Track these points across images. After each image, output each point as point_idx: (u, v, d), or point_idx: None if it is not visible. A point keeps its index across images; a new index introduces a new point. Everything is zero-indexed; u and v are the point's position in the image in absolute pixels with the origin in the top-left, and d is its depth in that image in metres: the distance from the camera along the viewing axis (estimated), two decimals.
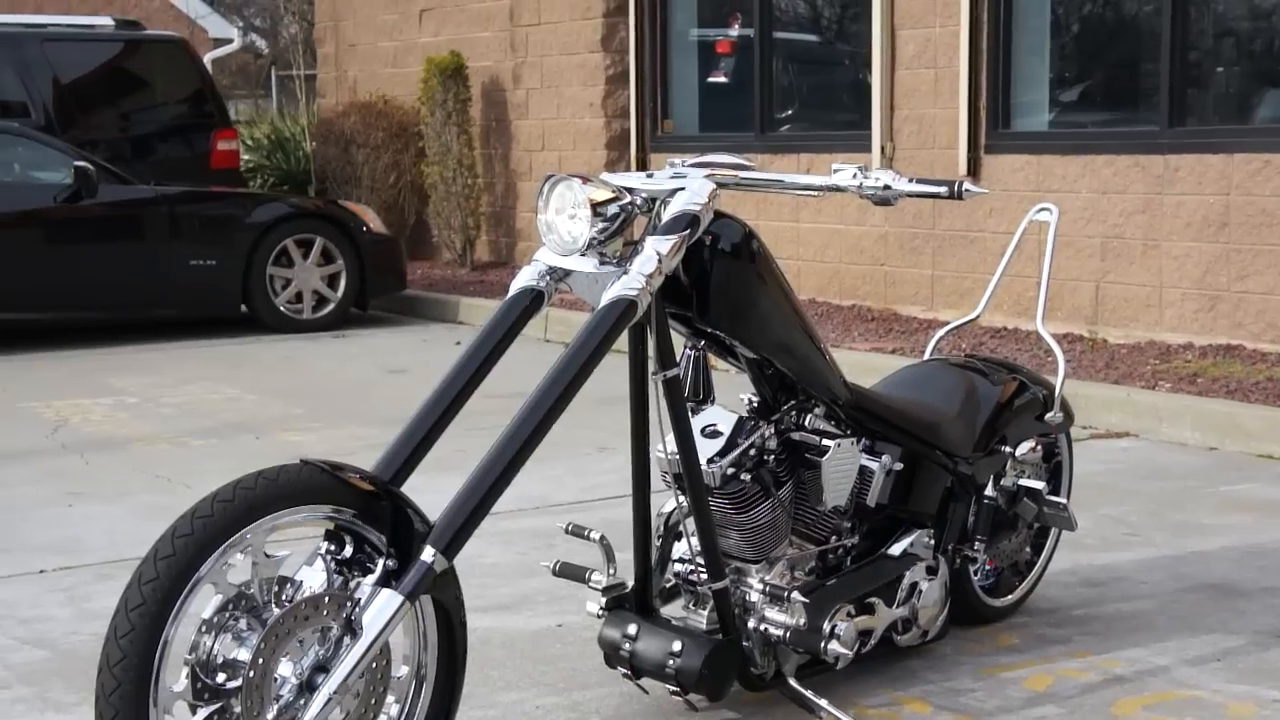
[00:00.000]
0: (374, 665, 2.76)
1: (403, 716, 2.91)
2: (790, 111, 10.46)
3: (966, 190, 3.18)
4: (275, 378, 8.55)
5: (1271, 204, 7.38)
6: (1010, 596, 4.12)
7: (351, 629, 2.72)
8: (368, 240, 10.62)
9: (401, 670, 2.91)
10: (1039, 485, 4.00)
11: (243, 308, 10.40)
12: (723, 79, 10.97)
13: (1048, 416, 4.05)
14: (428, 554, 2.77)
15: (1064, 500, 4.07)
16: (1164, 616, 4.11)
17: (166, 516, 2.86)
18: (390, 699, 2.87)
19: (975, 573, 3.99)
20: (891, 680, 3.65)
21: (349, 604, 2.74)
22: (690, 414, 3.27)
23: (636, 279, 3.04)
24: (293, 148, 14.78)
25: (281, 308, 10.40)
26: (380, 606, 2.72)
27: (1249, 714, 3.42)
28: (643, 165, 11.25)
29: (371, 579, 2.78)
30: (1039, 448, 4.11)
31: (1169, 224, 7.86)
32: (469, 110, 12.41)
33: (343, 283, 10.53)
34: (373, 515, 2.80)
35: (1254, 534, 4.91)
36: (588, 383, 2.99)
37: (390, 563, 2.79)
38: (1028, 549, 4.16)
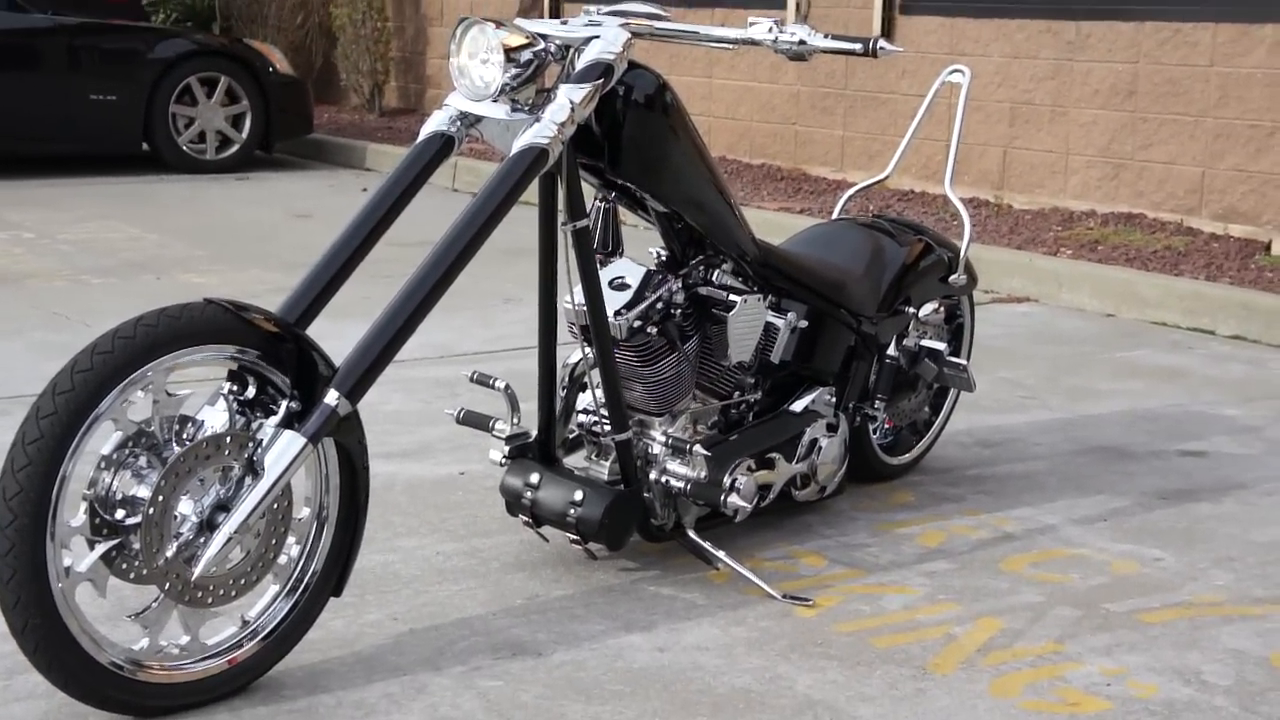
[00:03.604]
0: (275, 506, 2.76)
1: (303, 557, 2.92)
2: None
3: (881, 48, 3.18)
4: (177, 218, 8.42)
5: (1179, 73, 7.43)
6: (907, 455, 4.19)
7: (253, 469, 2.72)
8: (274, 81, 10.42)
9: (303, 512, 2.91)
10: (940, 346, 4.05)
11: (144, 145, 10.20)
12: None
13: (952, 279, 4.09)
14: (331, 397, 2.76)
15: (964, 362, 4.13)
16: (1055, 477, 4.20)
17: (64, 354, 2.83)
18: (291, 540, 2.88)
19: (874, 431, 4.04)
20: (789, 534, 3.71)
21: (251, 444, 2.74)
22: (599, 266, 3.27)
23: (548, 127, 3.02)
24: None
25: (184, 147, 10.21)
26: (282, 447, 2.72)
27: (1131, 571, 3.52)
28: (557, 11, 11.08)
29: (274, 420, 2.77)
30: (942, 309, 4.15)
31: (1077, 91, 7.90)
32: None
33: (247, 124, 10.34)
34: (276, 357, 2.78)
35: (1145, 399, 5.02)
36: (496, 233, 2.97)
37: (293, 405, 2.78)
38: (926, 409, 4.22)
